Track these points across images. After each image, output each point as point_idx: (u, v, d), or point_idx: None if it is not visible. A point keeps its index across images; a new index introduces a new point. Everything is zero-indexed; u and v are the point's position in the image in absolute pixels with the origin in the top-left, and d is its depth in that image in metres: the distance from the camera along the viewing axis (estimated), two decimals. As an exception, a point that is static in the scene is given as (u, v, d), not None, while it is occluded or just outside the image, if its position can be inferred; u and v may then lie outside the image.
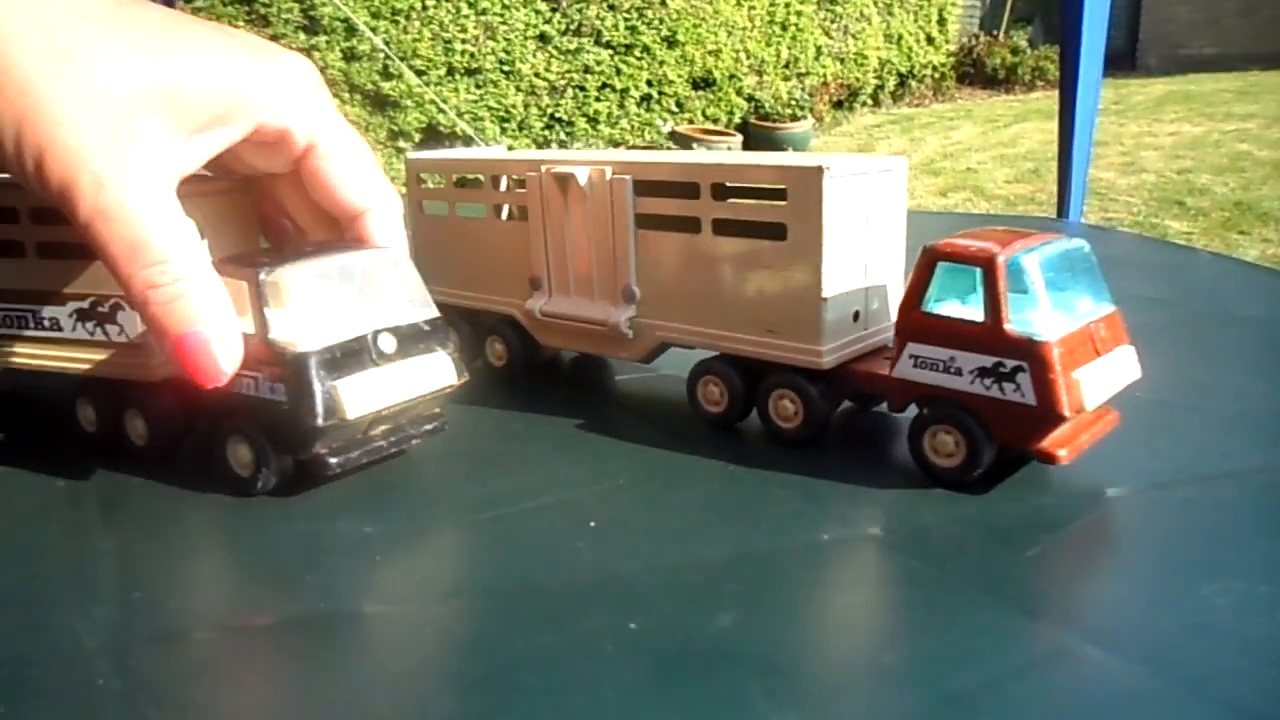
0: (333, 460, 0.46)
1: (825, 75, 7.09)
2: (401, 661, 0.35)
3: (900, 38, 7.66)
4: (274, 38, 5.26)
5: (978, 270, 0.45)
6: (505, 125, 5.89)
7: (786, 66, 6.79)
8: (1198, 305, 0.87)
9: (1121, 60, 8.89)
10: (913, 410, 0.49)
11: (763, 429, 0.54)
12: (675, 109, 6.32)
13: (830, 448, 0.53)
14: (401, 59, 5.50)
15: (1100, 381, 0.46)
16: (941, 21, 8.06)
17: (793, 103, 6.53)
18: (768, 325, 0.53)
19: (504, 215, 0.65)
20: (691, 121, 6.38)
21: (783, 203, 0.51)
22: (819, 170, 0.50)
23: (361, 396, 0.45)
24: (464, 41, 5.76)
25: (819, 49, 7.04)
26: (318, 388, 0.44)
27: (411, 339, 0.48)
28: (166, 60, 0.40)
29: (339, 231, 0.50)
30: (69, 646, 0.35)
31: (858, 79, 7.36)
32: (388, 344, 0.47)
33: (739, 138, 6.16)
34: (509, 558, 0.42)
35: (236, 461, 0.47)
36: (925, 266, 0.47)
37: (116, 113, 0.38)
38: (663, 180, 0.56)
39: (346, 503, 0.46)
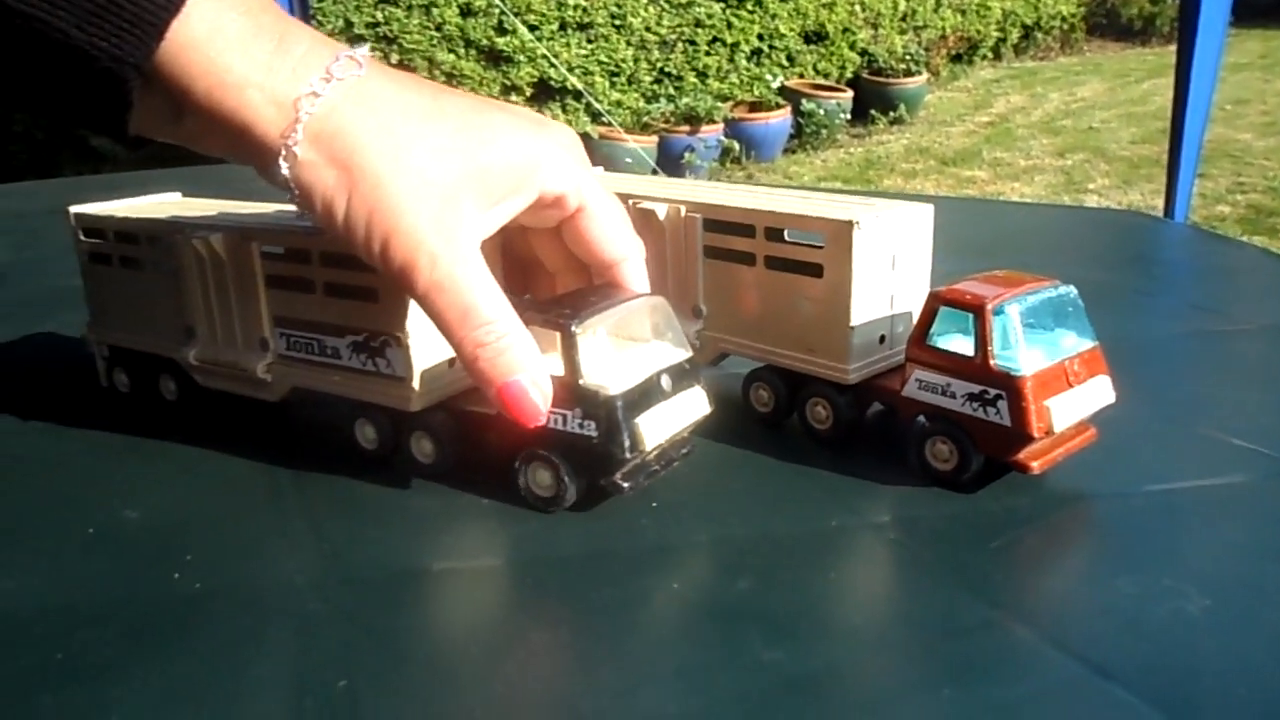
0: (625, 484, 0.54)
1: (944, 28, 6.88)
2: (507, 604, 0.49)
3: (1027, -14, 7.33)
4: (398, -4, 5.47)
5: (970, 314, 0.56)
6: (614, 79, 5.98)
7: (903, 19, 6.62)
8: (1235, 314, 0.93)
9: (1275, 9, 8.26)
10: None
11: (801, 428, 0.66)
12: (786, 63, 6.28)
13: (855, 447, 0.64)
14: (516, 14, 5.65)
15: (1070, 408, 0.56)
16: (1074, -33, 7.67)
17: (907, 57, 6.38)
18: (807, 344, 0.65)
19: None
20: (802, 76, 6.32)
21: (821, 247, 0.63)
22: (850, 224, 0.61)
23: (655, 430, 0.54)
24: (577, -4, 5.86)
25: (939, 0, 6.83)
26: (624, 425, 0.52)
27: (679, 376, 0.56)
28: (474, 146, 0.48)
29: (587, 276, 0.58)
30: (284, 583, 0.51)
31: (979, 31, 7.12)
32: (667, 382, 0.55)
33: (849, 93, 6.08)
34: (591, 530, 0.55)
35: (537, 484, 0.56)
36: (930, 308, 0.58)
37: (441, 197, 0.47)
38: (726, 220, 0.68)
39: (472, 482, 0.60)
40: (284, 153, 0.46)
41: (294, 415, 0.71)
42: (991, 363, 0.55)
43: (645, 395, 0.54)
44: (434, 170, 0.47)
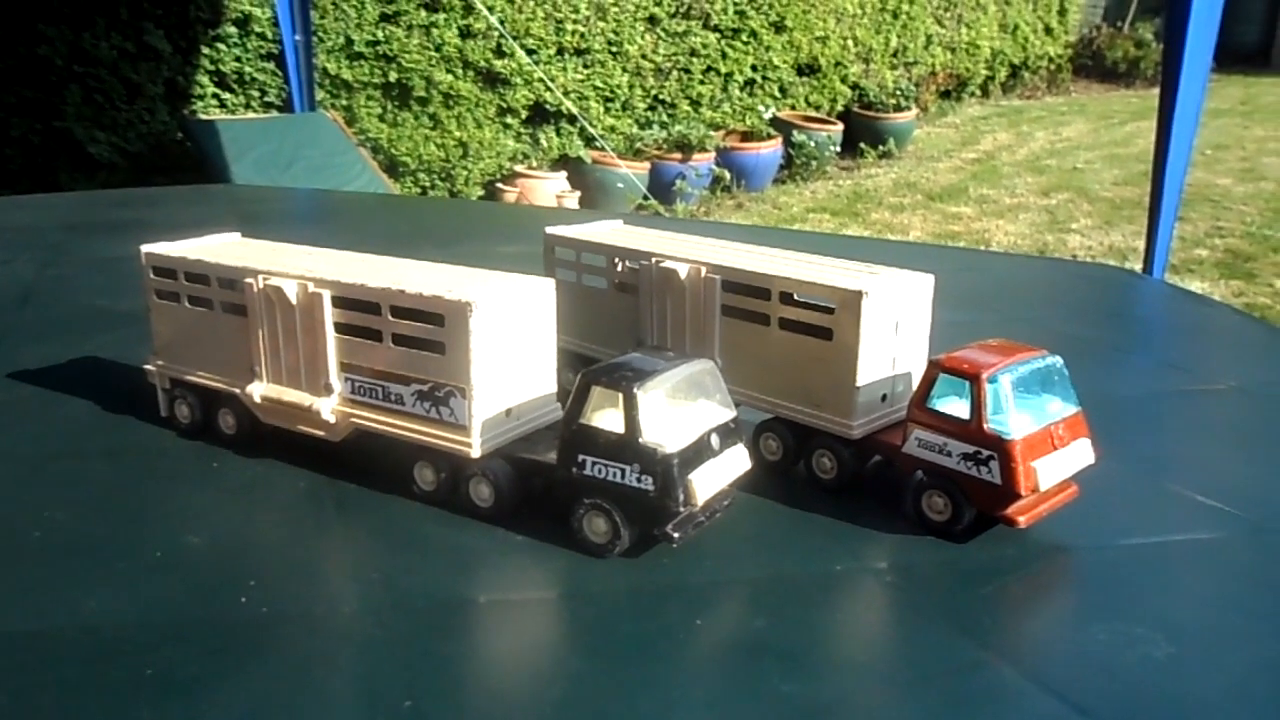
0: (676, 535, 0.58)
1: (934, 65, 7.02)
2: (546, 634, 0.55)
3: (1016, 27, 7.51)
4: (397, 14, 5.55)
5: (967, 382, 0.62)
6: (609, 105, 6.06)
7: (895, 55, 6.76)
8: (1205, 374, 1.00)
9: (1255, 57, 8.48)
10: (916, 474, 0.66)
11: (807, 477, 0.72)
12: (778, 94, 6.39)
13: (857, 496, 0.70)
14: (514, 38, 5.73)
15: (1054, 468, 0.62)
16: (1062, 12, 7.85)
17: (898, 92, 6.51)
18: (814, 400, 0.71)
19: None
20: (794, 108, 6.44)
21: (831, 314, 0.69)
22: (859, 294, 0.67)
23: (705, 485, 0.58)
24: (575, 21, 5.95)
25: (929, 37, 6.98)
26: (679, 481, 0.57)
27: (726, 435, 0.61)
28: None
29: None
30: (343, 609, 0.56)
31: (968, 69, 7.27)
32: (716, 441, 0.60)
33: (840, 126, 6.19)
34: (616, 569, 0.61)
35: (592, 530, 0.60)
36: (930, 375, 0.64)
37: None
38: (744, 283, 0.74)
39: (504, 520, 0.65)
40: None
41: (330, 449, 0.75)
42: (985, 426, 0.61)
43: (698, 453, 0.59)
44: None
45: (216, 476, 0.72)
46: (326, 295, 0.68)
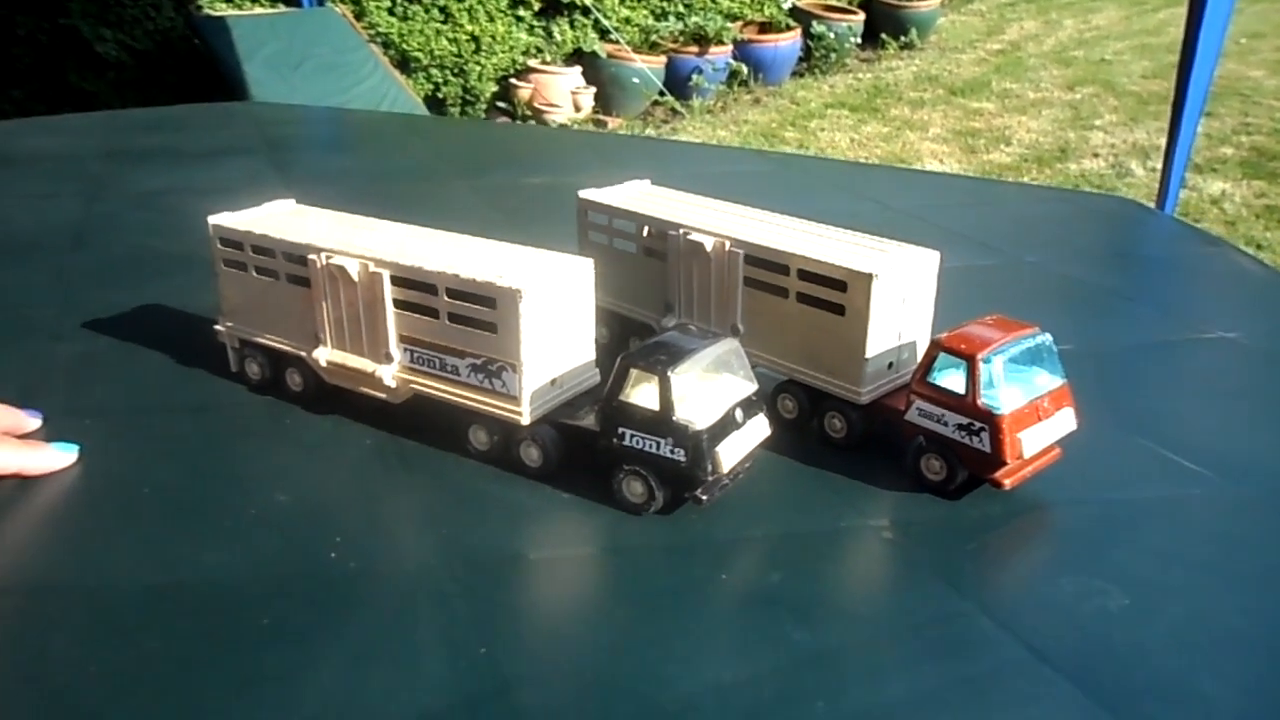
0: (704, 497, 0.67)
1: (960, -53, 6.76)
2: (592, 587, 0.64)
3: (1047, -96, 7.18)
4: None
5: (964, 361, 0.70)
6: (626, -7, 5.90)
7: (920, -63, 6.50)
8: (1199, 323, 1.06)
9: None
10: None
11: (819, 434, 0.80)
12: (799, -19, 6.18)
13: (864, 454, 0.78)
14: (527, -79, 5.54)
15: (1038, 438, 0.70)
16: (1096, -115, 7.48)
17: (922, -22, 6.28)
18: (827, 367, 0.79)
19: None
20: (814, -4, 6.23)
21: (844, 291, 0.76)
22: (869, 276, 0.74)
23: (730, 455, 0.67)
24: (589, -95, 5.74)
25: (956, -83, 6.70)
26: (708, 453, 0.65)
27: (748, 407, 0.69)
28: None
29: None
30: (418, 563, 0.65)
31: (995, -49, 6.99)
32: (740, 414, 0.68)
33: (861, 16, 6.02)
34: (650, 526, 0.70)
35: (631, 492, 0.69)
36: (931, 354, 0.72)
37: None
38: (765, 259, 0.80)
39: (550, 478, 0.74)
40: None
41: (391, 408, 0.84)
42: (978, 401, 0.69)
43: (723, 427, 0.67)
44: None
45: (291, 434, 0.81)
46: (386, 275, 0.75)
